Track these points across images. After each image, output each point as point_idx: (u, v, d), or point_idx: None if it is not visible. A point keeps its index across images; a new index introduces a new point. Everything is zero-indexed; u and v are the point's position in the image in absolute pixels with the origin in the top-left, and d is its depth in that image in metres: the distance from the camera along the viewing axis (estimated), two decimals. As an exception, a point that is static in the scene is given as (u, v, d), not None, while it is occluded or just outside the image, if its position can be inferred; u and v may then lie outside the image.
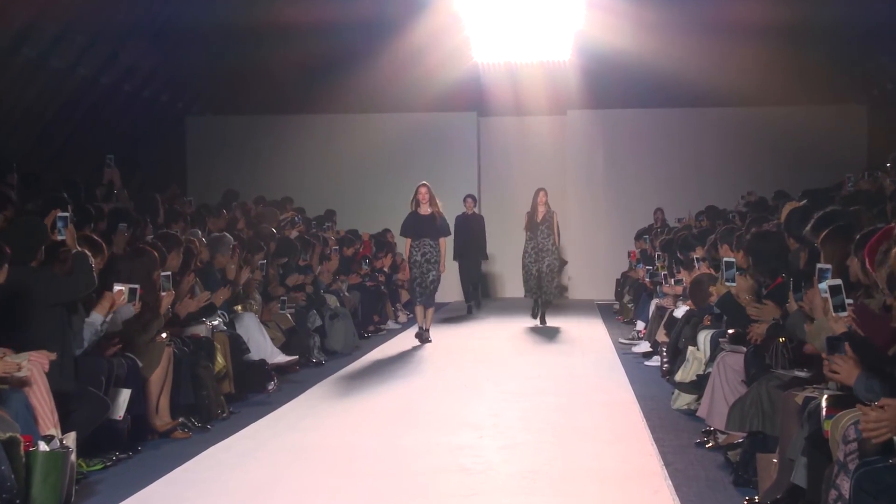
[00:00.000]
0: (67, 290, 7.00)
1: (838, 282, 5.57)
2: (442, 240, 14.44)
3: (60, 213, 7.22)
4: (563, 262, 16.78)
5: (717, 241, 10.03)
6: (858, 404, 4.62)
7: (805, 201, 9.70)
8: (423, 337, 14.29)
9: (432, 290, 14.36)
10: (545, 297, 16.15)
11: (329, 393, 10.64)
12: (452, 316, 18.33)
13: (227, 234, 11.49)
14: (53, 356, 6.50)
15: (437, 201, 14.42)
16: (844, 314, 5.49)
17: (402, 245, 15.53)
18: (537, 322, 16.23)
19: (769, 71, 19.41)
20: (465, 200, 19.39)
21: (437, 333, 15.76)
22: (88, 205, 10.05)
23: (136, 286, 7.91)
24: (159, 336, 8.51)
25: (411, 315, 18.22)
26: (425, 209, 14.36)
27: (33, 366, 6.35)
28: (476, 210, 19.47)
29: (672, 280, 12.11)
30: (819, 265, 5.94)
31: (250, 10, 16.41)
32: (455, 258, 18.87)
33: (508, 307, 19.52)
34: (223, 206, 14.80)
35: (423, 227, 14.31)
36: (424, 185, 14.53)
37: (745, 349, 7.51)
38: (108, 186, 12.33)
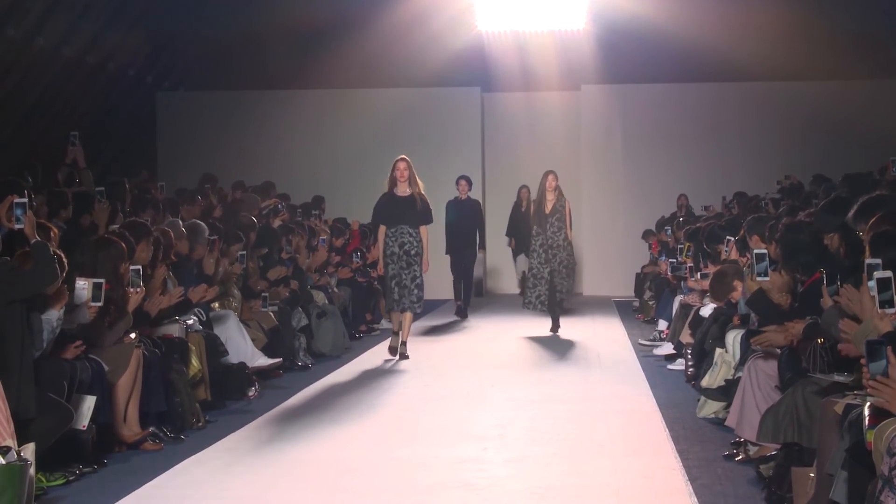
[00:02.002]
0: (27, 284, 6.98)
1: (888, 275, 5.55)
2: (423, 228, 13.17)
3: (18, 199, 7.21)
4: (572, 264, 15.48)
5: (746, 234, 10.02)
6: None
7: (832, 194, 9.65)
8: (395, 347, 13.12)
9: (414, 291, 13.04)
10: (558, 296, 15.19)
11: (316, 400, 10.65)
12: (447, 316, 18.12)
13: (200, 223, 11.51)
14: None
15: (419, 181, 13.20)
16: (893, 311, 5.47)
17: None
18: (552, 333, 15.23)
19: (806, 42, 19.41)
20: (457, 183, 18.21)
21: (435, 334, 15.79)
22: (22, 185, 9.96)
23: (102, 280, 7.91)
24: (127, 336, 8.52)
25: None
26: (404, 189, 13.12)
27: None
28: (471, 195, 18.44)
29: (698, 274, 12.10)
30: (868, 260, 5.88)
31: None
32: (447, 252, 18.13)
33: (514, 305, 19.52)
34: (198, 193, 14.79)
35: (400, 211, 13.07)
36: (403, 159, 13.23)
37: (778, 351, 7.51)
38: (72, 167, 12.34)
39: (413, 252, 13.06)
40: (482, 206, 20.46)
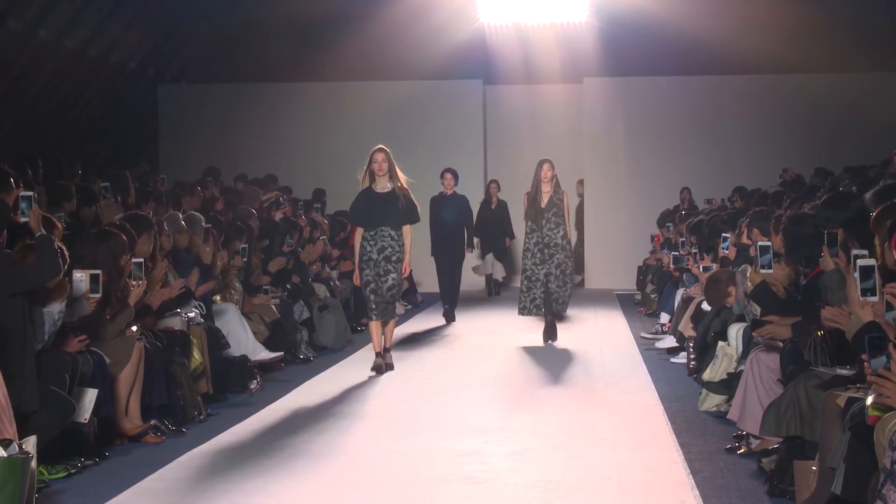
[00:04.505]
0: (30, 277, 6.98)
1: (871, 262, 5.53)
2: (407, 228, 11.62)
3: (24, 193, 7.22)
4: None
5: (746, 227, 10.01)
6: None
7: (839, 188, 9.65)
8: (380, 366, 11.50)
9: (390, 300, 11.64)
10: (555, 305, 13.66)
11: (318, 393, 10.64)
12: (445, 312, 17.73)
13: (197, 214, 11.52)
14: None
15: (401, 174, 11.64)
16: (874, 299, 5.44)
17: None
18: (545, 343, 13.68)
19: (808, 35, 19.41)
20: (442, 176, 16.51)
21: (436, 328, 15.75)
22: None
23: (98, 272, 7.91)
24: (129, 329, 8.52)
25: (409, 306, 18.01)
26: (384, 184, 11.56)
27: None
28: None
29: (700, 266, 12.07)
30: (854, 251, 5.85)
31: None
32: (432, 254, 16.75)
33: (515, 300, 19.48)
34: (199, 185, 14.78)
35: (380, 210, 11.50)
36: (381, 149, 11.66)
37: (781, 344, 7.51)
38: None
39: (394, 258, 11.54)
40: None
